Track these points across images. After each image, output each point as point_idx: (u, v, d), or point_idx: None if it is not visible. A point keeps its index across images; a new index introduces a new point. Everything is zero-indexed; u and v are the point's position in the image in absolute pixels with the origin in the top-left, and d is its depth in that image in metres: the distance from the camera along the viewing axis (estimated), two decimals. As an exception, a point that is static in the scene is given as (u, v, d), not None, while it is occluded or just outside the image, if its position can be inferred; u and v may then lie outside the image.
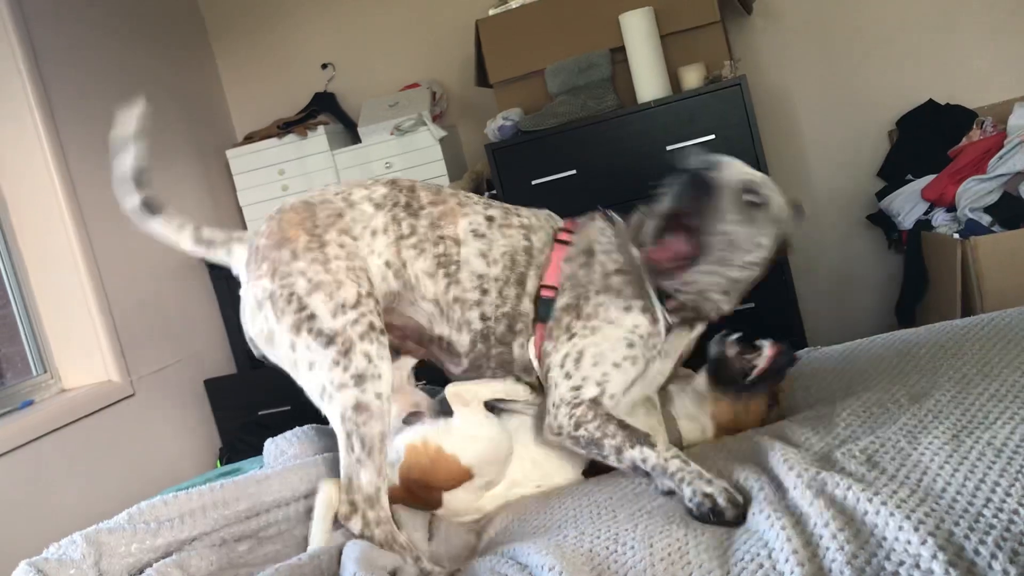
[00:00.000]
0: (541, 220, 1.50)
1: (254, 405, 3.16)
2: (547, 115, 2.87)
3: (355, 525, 1.30)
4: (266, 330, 1.36)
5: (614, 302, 1.37)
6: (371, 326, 1.32)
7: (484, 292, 1.41)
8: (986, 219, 2.57)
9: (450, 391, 1.41)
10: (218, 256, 1.46)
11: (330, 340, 1.31)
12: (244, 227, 3.60)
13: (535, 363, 1.41)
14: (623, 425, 1.30)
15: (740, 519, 1.13)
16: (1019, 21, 3.10)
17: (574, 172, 2.85)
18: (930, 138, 3.05)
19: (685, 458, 1.24)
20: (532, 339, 1.41)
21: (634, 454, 1.27)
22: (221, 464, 2.98)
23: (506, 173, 2.91)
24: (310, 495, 1.50)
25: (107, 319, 2.80)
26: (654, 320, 1.38)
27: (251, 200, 3.55)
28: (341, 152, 3.45)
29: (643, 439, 1.28)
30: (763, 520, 1.06)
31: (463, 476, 1.37)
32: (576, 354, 1.35)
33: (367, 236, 1.39)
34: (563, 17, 2.97)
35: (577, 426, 1.31)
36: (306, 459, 1.58)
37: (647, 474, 1.28)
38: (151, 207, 1.44)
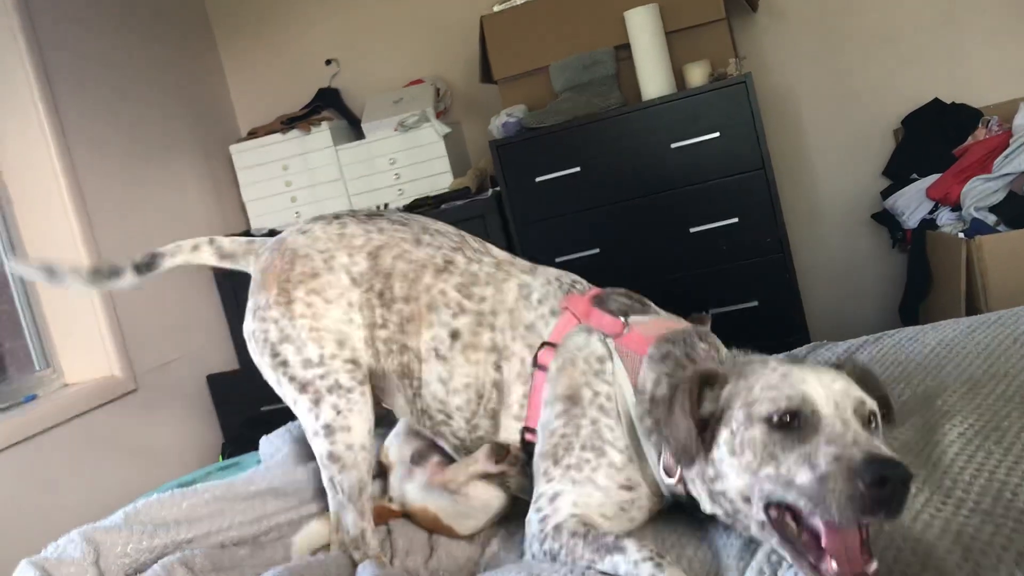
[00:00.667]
0: (520, 330, 1.32)
1: (256, 401, 3.13)
2: (551, 112, 2.87)
3: None
4: (256, 360, 1.43)
5: (607, 472, 1.19)
6: (337, 383, 1.35)
7: (448, 416, 1.36)
8: (991, 218, 2.56)
9: (436, 482, 1.39)
10: (240, 266, 1.51)
11: (303, 387, 1.36)
12: (247, 223, 3.60)
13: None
14: (588, 539, 1.15)
15: None
16: (1025, 20, 3.09)
17: (578, 169, 2.84)
18: (935, 137, 3.04)
19: (660, 561, 1.06)
20: None
21: (605, 566, 1.12)
22: (223, 459, 2.98)
23: (510, 170, 2.91)
24: (311, 501, 1.51)
25: (110, 314, 2.79)
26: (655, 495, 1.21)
27: (254, 196, 3.55)
28: (345, 148, 3.45)
29: (611, 547, 1.11)
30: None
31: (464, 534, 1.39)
32: (552, 494, 1.20)
33: (343, 303, 1.38)
34: (568, 14, 2.97)
35: (553, 558, 1.18)
36: (308, 464, 1.57)
37: None
38: (151, 263, 1.49)
